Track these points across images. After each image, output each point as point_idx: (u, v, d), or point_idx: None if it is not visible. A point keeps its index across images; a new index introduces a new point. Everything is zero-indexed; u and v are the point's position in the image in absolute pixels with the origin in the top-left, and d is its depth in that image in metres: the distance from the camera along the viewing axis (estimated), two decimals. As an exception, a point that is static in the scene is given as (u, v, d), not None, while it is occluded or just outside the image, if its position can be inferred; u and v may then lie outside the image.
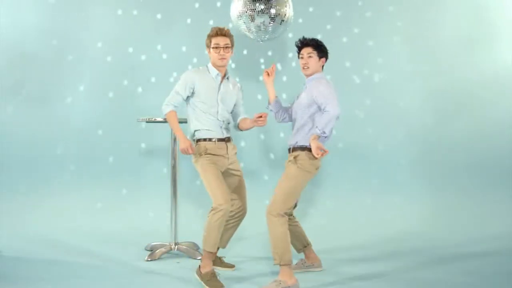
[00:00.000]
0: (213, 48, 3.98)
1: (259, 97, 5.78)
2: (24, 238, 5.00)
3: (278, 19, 4.65)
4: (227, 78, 4.08)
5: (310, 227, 5.31)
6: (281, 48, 5.99)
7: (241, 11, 4.65)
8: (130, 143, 5.82)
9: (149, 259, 4.45)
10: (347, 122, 5.91)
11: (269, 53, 5.98)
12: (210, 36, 4.00)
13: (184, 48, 5.95)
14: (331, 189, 5.83)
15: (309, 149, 3.76)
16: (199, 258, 4.50)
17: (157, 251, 4.54)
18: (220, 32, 3.97)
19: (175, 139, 4.70)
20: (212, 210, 3.84)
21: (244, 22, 4.67)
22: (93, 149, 5.80)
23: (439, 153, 5.86)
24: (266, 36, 4.72)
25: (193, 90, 3.98)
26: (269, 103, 4.12)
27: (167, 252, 4.59)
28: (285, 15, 4.68)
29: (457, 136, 5.85)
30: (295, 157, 3.82)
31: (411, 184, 5.79)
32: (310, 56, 3.95)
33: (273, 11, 4.61)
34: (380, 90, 5.94)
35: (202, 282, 3.79)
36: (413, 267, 4.29)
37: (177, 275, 4.07)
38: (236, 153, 4.13)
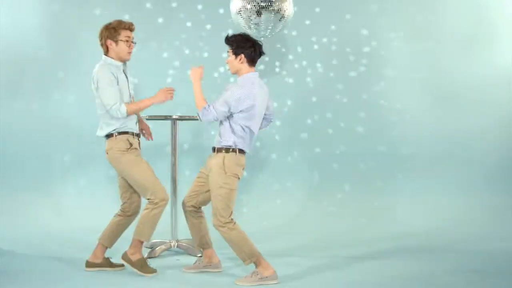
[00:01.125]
0: (122, 41, 3.92)
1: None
2: (24, 237, 4.99)
3: (277, 15, 4.66)
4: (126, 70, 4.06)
5: (312, 227, 5.37)
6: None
7: (241, 7, 4.66)
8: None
9: (149, 257, 4.44)
10: (348, 121, 5.93)
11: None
12: (117, 29, 3.91)
13: (184, 47, 5.96)
14: (332, 189, 5.82)
15: (233, 150, 3.72)
16: (199, 255, 4.49)
17: (157, 248, 4.54)
18: (130, 26, 3.96)
19: (175, 137, 4.71)
20: (153, 203, 3.85)
21: (243, 19, 4.67)
22: (93, 148, 5.78)
23: (439, 152, 5.86)
24: (267, 33, 4.72)
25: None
26: None
27: (167, 249, 4.59)
28: (285, 11, 4.68)
29: (457, 136, 5.86)
30: (223, 162, 3.72)
31: (412, 183, 5.78)
32: (228, 55, 3.82)
33: (263, 3, 4.60)
34: (380, 90, 5.94)
35: (135, 269, 3.85)
36: (413, 266, 4.27)
37: (177, 272, 4.05)
38: None
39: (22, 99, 5.83)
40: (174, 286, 3.74)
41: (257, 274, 3.69)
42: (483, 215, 5.53)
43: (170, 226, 4.68)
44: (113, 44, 3.90)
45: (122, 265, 4.03)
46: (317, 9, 5.97)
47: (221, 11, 5.89)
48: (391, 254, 4.59)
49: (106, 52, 3.95)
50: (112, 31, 3.88)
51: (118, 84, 3.87)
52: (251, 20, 4.63)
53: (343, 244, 4.91)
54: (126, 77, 4.00)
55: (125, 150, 3.86)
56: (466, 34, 5.94)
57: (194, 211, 3.99)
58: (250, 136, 3.77)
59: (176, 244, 4.64)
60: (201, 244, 4.06)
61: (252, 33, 4.81)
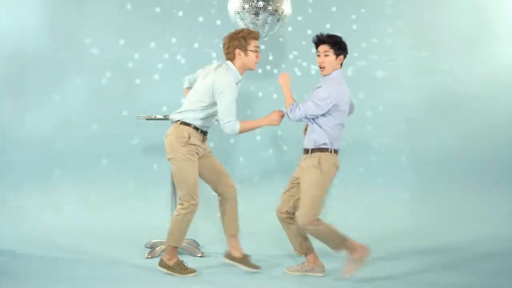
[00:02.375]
0: (253, 51, 3.86)
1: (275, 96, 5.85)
2: (24, 236, 4.98)
3: (275, 16, 4.66)
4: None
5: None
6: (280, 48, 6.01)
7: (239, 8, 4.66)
8: (130, 140, 5.81)
9: (149, 256, 4.44)
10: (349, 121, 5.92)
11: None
12: (247, 38, 3.84)
13: (186, 45, 5.96)
14: (334, 189, 5.81)
15: (329, 150, 3.77)
16: (199, 255, 4.50)
17: (157, 248, 4.54)
18: (257, 35, 3.89)
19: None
20: (183, 208, 3.89)
21: (242, 19, 4.67)
22: (93, 147, 5.79)
23: (439, 152, 5.86)
24: (264, 33, 4.72)
25: None
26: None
27: (167, 249, 4.58)
28: (282, 12, 4.68)
29: (457, 135, 5.85)
30: (319, 162, 3.76)
31: (412, 182, 5.78)
32: (326, 55, 3.81)
33: (261, 3, 4.60)
34: (380, 90, 5.94)
35: (174, 273, 3.87)
36: (413, 266, 4.27)
37: (226, 275, 4.04)
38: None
39: (22, 98, 5.82)
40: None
41: (355, 259, 3.76)
42: (484, 215, 5.52)
43: (170, 226, 4.66)
44: (242, 53, 3.85)
45: (258, 266, 4.03)
46: (310, 10, 5.96)
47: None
48: (391, 254, 4.59)
49: (232, 60, 3.89)
50: (242, 41, 3.82)
51: None
52: (255, 20, 4.62)
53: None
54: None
55: (184, 142, 3.84)
56: (466, 34, 5.93)
57: (289, 218, 3.94)
58: (341, 133, 3.86)
59: (176, 244, 4.63)
60: (301, 249, 3.99)
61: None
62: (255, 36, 3.85)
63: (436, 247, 4.84)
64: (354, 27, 5.96)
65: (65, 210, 5.54)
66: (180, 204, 3.93)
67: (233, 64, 3.88)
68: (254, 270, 4.00)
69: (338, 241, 3.80)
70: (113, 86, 5.89)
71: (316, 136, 3.79)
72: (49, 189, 5.67)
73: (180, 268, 3.92)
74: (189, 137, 3.85)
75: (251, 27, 4.71)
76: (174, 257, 3.95)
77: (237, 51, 3.84)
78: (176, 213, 3.96)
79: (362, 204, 5.72)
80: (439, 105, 5.92)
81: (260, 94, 5.85)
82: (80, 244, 4.80)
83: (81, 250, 4.60)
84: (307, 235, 3.99)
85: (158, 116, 4.66)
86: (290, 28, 5.87)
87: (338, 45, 3.80)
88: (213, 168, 4.05)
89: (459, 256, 4.59)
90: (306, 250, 4.00)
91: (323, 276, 3.98)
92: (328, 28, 5.93)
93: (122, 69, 5.90)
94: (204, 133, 3.96)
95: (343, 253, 3.86)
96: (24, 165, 5.70)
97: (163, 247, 4.54)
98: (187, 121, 3.87)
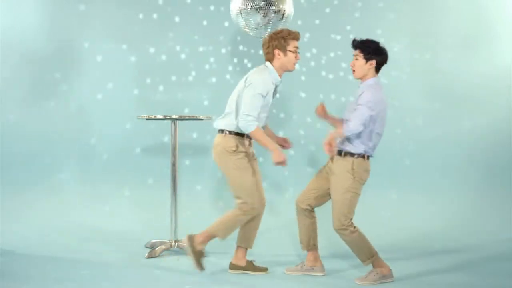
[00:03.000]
0: (292, 52, 3.81)
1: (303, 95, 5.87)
2: (24, 235, 4.98)
3: (277, 15, 4.66)
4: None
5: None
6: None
7: (241, 8, 4.66)
8: (130, 140, 5.81)
9: (149, 256, 4.44)
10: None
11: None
12: (287, 39, 3.79)
13: (185, 45, 5.96)
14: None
15: (361, 156, 3.77)
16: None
17: (157, 248, 4.53)
18: (297, 35, 3.84)
19: (175, 137, 4.70)
20: (242, 210, 3.80)
21: (244, 19, 4.67)
22: (92, 147, 5.80)
23: (439, 152, 5.86)
24: (266, 33, 4.72)
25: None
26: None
27: (167, 249, 4.58)
28: (284, 11, 4.67)
29: (457, 135, 5.85)
30: (352, 167, 3.75)
31: (412, 183, 5.78)
32: (356, 59, 3.82)
33: (263, 3, 4.60)
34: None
35: (191, 255, 3.80)
36: (415, 267, 4.27)
37: (177, 272, 4.05)
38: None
39: (22, 99, 5.82)
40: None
41: (377, 273, 3.80)
42: (484, 214, 5.52)
43: (170, 226, 4.67)
44: (282, 54, 3.80)
45: (265, 269, 4.02)
46: (312, 16, 5.97)
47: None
48: (393, 254, 4.59)
49: (271, 60, 3.86)
50: (282, 41, 3.78)
51: (264, 99, 3.77)
52: (261, 20, 4.61)
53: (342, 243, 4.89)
54: (273, 96, 3.89)
55: (231, 151, 3.79)
56: (466, 34, 5.94)
57: (308, 211, 3.94)
58: (378, 142, 3.84)
59: (176, 244, 4.63)
60: (308, 245, 3.99)
61: (253, 33, 4.81)
62: (295, 36, 3.80)
63: (436, 247, 4.85)
64: (354, 27, 5.95)
65: (65, 210, 5.53)
66: (239, 209, 3.85)
67: (272, 64, 3.85)
68: (262, 273, 4.00)
69: (368, 253, 3.82)
70: (113, 86, 5.89)
71: (352, 147, 3.76)
72: (49, 189, 5.67)
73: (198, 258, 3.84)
74: (237, 146, 3.81)
75: (254, 27, 4.71)
76: (203, 243, 3.85)
77: (276, 51, 3.80)
78: (233, 212, 3.87)
79: (363, 204, 5.71)
80: (439, 106, 5.92)
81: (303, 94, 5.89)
82: (80, 244, 4.80)
83: (81, 250, 4.59)
84: (317, 233, 4.01)
85: (158, 116, 4.65)
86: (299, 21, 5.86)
87: (368, 50, 3.79)
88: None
89: (460, 256, 4.58)
90: (312, 247, 4.00)
91: (323, 275, 3.98)
92: (328, 27, 5.96)
93: (122, 69, 5.90)
94: (249, 137, 3.87)
95: (369, 266, 3.87)
96: (24, 165, 5.70)
97: (163, 247, 4.55)
98: (232, 128, 3.82)
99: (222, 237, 3.89)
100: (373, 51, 3.80)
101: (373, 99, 3.69)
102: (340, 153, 3.80)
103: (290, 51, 3.79)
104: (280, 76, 3.86)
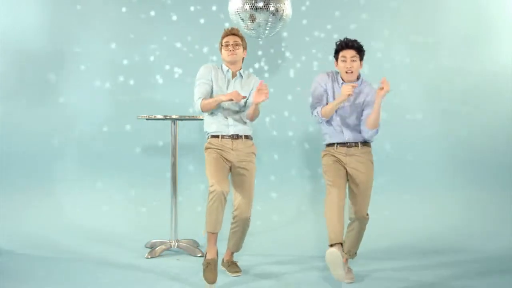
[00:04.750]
0: (223, 46, 4.04)
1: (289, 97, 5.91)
2: (24, 236, 4.98)
3: (277, 16, 4.65)
4: (241, 75, 4.06)
5: (315, 230, 5.36)
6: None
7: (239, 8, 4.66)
8: (130, 140, 5.81)
9: (149, 256, 4.45)
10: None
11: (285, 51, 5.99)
12: (221, 37, 4.07)
13: (185, 45, 5.96)
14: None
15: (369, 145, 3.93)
16: (199, 255, 4.50)
17: (157, 248, 4.54)
18: (229, 32, 4.05)
19: (175, 136, 4.70)
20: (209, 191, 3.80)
21: (242, 20, 4.67)
22: (92, 147, 5.79)
23: (439, 152, 5.86)
24: (265, 33, 4.72)
25: (211, 83, 4.01)
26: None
27: (167, 249, 4.59)
28: (283, 11, 4.67)
29: (457, 135, 5.85)
30: (371, 155, 3.94)
31: (412, 183, 5.78)
32: (353, 60, 3.85)
33: (261, 4, 4.60)
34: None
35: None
36: (413, 266, 4.27)
37: (177, 272, 4.06)
38: (252, 152, 4.02)
39: (22, 98, 5.82)
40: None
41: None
42: (484, 214, 5.52)
43: (170, 226, 4.67)
44: (221, 51, 4.11)
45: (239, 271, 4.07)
46: (304, 7, 5.97)
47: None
48: (391, 254, 4.59)
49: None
50: (220, 39, 4.09)
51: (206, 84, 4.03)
52: (251, 23, 4.63)
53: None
54: (229, 83, 4.09)
55: (205, 150, 3.99)
56: (466, 34, 5.93)
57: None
58: None
59: (176, 244, 4.64)
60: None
61: (251, 34, 4.81)
62: (225, 33, 4.08)
63: (436, 247, 4.84)
64: (354, 27, 5.95)
65: (65, 210, 5.53)
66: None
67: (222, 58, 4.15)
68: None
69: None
70: (113, 86, 5.89)
71: (372, 133, 3.86)
72: (49, 189, 5.67)
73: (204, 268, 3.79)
74: (209, 145, 3.99)
75: (250, 27, 4.71)
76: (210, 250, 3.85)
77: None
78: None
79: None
80: (439, 105, 5.92)
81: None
82: (80, 244, 4.80)
83: (81, 250, 4.59)
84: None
85: (158, 116, 4.65)
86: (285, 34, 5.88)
87: (363, 51, 3.89)
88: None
89: (460, 255, 4.59)
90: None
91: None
92: (327, 27, 5.96)
93: (122, 69, 5.90)
94: (226, 136, 4.04)
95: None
96: (24, 165, 5.69)
97: (163, 247, 4.55)
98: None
99: (207, 230, 3.79)
100: (364, 52, 3.92)
101: None
102: (361, 143, 3.90)
103: (222, 46, 4.05)
104: (230, 67, 4.04)
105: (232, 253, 4.15)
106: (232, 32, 4.05)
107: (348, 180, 3.88)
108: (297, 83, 5.91)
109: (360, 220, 3.90)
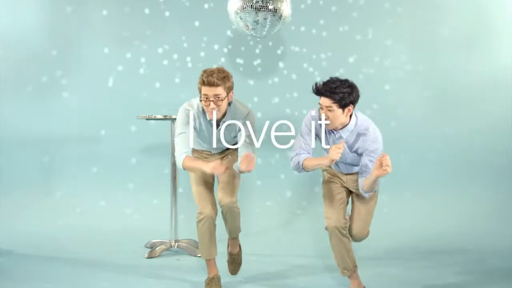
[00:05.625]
0: (202, 96, 3.48)
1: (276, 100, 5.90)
2: (24, 235, 4.98)
3: (276, 15, 4.64)
4: (224, 121, 3.58)
5: (315, 228, 5.36)
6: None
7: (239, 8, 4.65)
8: (130, 140, 5.81)
9: (149, 256, 4.44)
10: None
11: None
12: (199, 82, 3.49)
13: (185, 45, 5.96)
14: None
15: None
16: (199, 255, 4.49)
17: (157, 248, 4.54)
18: (207, 82, 3.42)
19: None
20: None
21: (241, 18, 4.66)
22: (93, 147, 5.80)
23: (438, 152, 5.86)
24: (264, 33, 4.71)
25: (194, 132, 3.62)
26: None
27: (167, 249, 4.59)
28: (282, 11, 4.66)
29: (457, 136, 5.85)
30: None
31: (412, 183, 5.78)
32: (329, 110, 3.25)
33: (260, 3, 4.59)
34: (380, 89, 5.94)
35: None
36: (413, 266, 4.27)
37: (177, 272, 4.06)
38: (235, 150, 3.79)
39: (22, 98, 5.82)
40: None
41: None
42: (484, 214, 5.52)
43: (170, 226, 4.67)
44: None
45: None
46: (311, 11, 5.96)
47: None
48: (391, 255, 4.59)
49: None
50: (198, 83, 3.51)
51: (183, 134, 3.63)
52: (256, 19, 4.60)
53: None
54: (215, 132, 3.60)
55: None
56: (466, 34, 5.93)
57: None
58: None
59: (176, 244, 4.64)
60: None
61: (251, 33, 4.80)
62: (201, 80, 3.48)
63: (436, 247, 4.84)
64: (352, 26, 5.95)
65: (65, 210, 5.54)
66: None
67: None
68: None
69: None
70: (113, 86, 5.89)
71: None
72: (49, 189, 5.67)
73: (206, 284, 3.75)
74: None
75: (251, 26, 4.70)
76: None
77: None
78: None
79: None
80: (439, 106, 5.92)
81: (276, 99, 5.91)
82: (79, 244, 4.79)
83: (81, 250, 4.59)
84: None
85: (158, 116, 4.65)
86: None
87: (342, 100, 3.22)
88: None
89: (460, 255, 4.58)
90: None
91: None
92: (327, 27, 5.95)
93: (122, 69, 5.90)
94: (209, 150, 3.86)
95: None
96: (23, 165, 5.70)
97: (163, 247, 4.55)
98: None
99: (205, 257, 3.75)
100: (350, 98, 3.25)
101: (379, 145, 3.36)
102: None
103: (201, 94, 3.51)
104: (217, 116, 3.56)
105: (234, 239, 3.95)
106: (210, 83, 3.42)
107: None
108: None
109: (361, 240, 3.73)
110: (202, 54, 5.95)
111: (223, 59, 5.93)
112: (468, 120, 5.88)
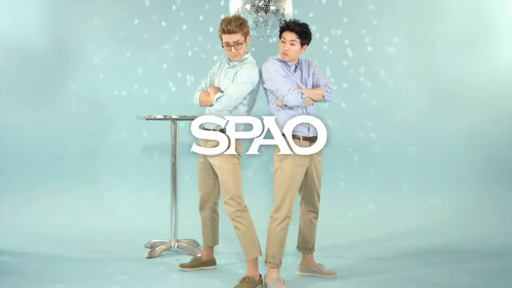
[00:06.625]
0: (223, 43, 3.75)
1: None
2: (24, 235, 4.98)
3: (277, 15, 4.65)
4: (233, 65, 3.82)
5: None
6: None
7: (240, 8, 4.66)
8: (130, 140, 5.82)
9: (149, 256, 4.44)
10: (348, 121, 5.92)
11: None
12: (219, 30, 3.74)
13: (187, 44, 5.97)
14: (331, 188, 5.81)
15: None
16: (199, 255, 4.49)
17: (157, 248, 4.53)
18: (227, 30, 3.68)
19: (175, 137, 4.70)
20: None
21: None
22: (93, 146, 5.80)
23: (438, 152, 5.87)
24: (267, 32, 4.72)
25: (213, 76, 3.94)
26: None
27: (167, 249, 4.58)
28: (284, 11, 4.67)
29: (457, 136, 5.86)
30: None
31: (412, 183, 5.78)
32: (292, 44, 3.63)
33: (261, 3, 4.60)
34: (380, 89, 5.94)
35: None
36: (413, 266, 4.27)
37: (177, 272, 4.06)
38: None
39: (22, 98, 5.83)
40: None
41: None
42: (484, 214, 5.52)
43: (170, 226, 4.67)
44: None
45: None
46: (311, 14, 5.95)
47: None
48: (390, 255, 4.59)
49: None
50: (219, 32, 3.77)
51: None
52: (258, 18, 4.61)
53: (342, 244, 4.90)
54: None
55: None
56: (466, 34, 5.94)
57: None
58: None
59: (176, 244, 4.63)
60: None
61: (253, 34, 4.81)
62: (221, 28, 3.73)
63: (435, 247, 4.84)
64: (352, 26, 5.96)
65: (65, 210, 5.54)
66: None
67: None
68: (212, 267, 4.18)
69: None
70: (113, 86, 5.90)
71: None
72: (49, 189, 5.68)
73: None
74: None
75: (252, 26, 4.71)
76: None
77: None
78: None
79: (363, 205, 5.73)
80: (439, 105, 5.92)
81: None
82: (79, 244, 4.79)
83: (81, 250, 4.59)
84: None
85: (158, 116, 4.65)
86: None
87: (305, 35, 3.64)
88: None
89: (459, 255, 4.58)
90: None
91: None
92: (327, 27, 5.96)
93: (122, 69, 5.91)
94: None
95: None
96: (24, 165, 5.71)
97: (163, 247, 4.55)
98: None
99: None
100: (309, 37, 3.68)
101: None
102: (314, 139, 3.64)
103: (222, 41, 3.77)
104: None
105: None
106: (230, 31, 3.68)
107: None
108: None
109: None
110: (203, 56, 5.96)
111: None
112: (468, 120, 5.89)
